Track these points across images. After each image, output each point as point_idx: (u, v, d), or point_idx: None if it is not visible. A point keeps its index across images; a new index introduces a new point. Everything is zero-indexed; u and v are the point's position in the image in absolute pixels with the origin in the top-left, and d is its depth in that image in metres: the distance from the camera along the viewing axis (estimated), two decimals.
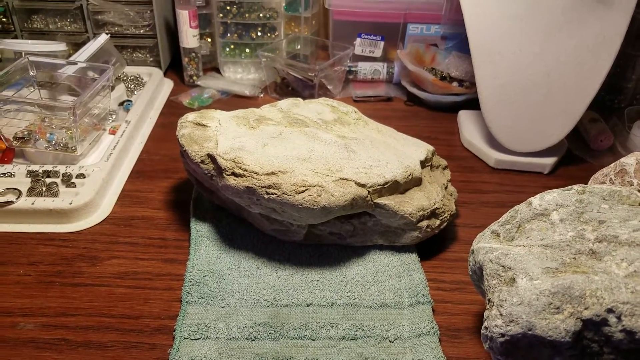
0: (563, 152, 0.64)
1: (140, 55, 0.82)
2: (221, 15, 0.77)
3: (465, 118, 0.71)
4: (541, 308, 0.27)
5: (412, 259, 0.46)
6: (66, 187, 0.52)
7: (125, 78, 0.75)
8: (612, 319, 0.27)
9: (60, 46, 0.73)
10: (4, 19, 0.78)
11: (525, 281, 0.29)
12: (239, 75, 0.83)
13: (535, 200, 0.35)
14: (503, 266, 0.31)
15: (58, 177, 0.53)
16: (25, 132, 0.57)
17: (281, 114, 0.52)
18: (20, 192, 0.50)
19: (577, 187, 0.36)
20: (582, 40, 0.58)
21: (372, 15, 0.82)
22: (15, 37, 0.79)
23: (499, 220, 0.36)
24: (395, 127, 0.56)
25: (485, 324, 0.30)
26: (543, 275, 0.29)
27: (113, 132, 0.62)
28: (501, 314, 0.28)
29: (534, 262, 0.30)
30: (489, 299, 0.31)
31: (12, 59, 0.71)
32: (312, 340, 0.39)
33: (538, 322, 0.27)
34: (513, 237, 0.34)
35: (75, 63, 0.63)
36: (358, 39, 0.84)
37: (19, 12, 0.77)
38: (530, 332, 0.27)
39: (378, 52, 0.85)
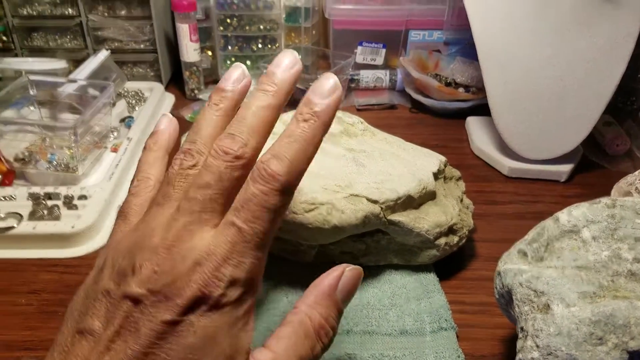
0: (579, 158, 0.62)
1: (140, 70, 0.80)
2: (221, 28, 0.76)
3: (474, 124, 0.70)
4: (582, 339, 0.25)
5: (431, 279, 0.44)
6: (68, 209, 0.50)
7: (126, 94, 0.73)
8: None
9: (60, 63, 0.72)
10: (4, 38, 0.77)
11: (561, 308, 0.27)
12: None
13: (563, 215, 0.33)
14: (535, 290, 0.29)
15: (60, 199, 0.51)
16: (26, 153, 0.56)
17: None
18: (21, 216, 0.49)
19: (606, 199, 0.34)
20: (593, 42, 0.56)
21: (373, 24, 0.81)
22: (16, 55, 0.77)
23: (525, 237, 0.34)
24: (402, 136, 0.54)
25: (520, 356, 0.28)
26: (580, 301, 0.27)
27: (115, 150, 0.61)
28: (537, 346, 0.26)
29: (568, 286, 0.28)
30: (521, 327, 0.29)
31: (12, 77, 0.69)
32: None
33: (580, 355, 0.25)
34: (542, 257, 0.32)
35: (75, 81, 0.62)
36: (359, 47, 0.83)
37: (19, 31, 0.76)
38: None
39: (380, 60, 0.84)
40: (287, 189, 0.26)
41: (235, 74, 0.31)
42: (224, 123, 0.30)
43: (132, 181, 0.32)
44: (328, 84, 0.28)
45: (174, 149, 0.34)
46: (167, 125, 0.34)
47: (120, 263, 0.26)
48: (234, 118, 0.29)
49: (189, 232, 0.25)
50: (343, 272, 0.28)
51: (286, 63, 0.30)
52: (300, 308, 0.27)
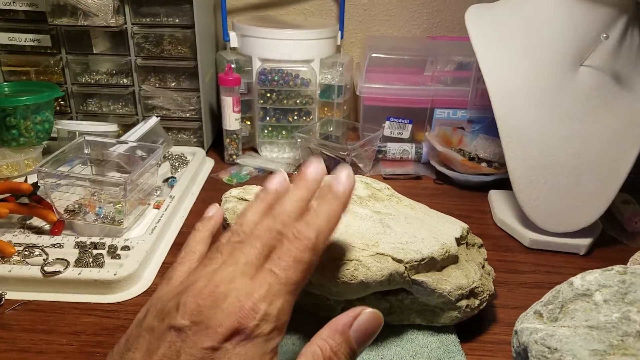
0: (598, 232, 0.63)
1: (184, 136, 0.87)
2: (261, 101, 0.83)
3: (496, 197, 0.72)
4: None
5: (452, 340, 0.45)
6: (111, 258, 0.54)
7: (170, 157, 0.79)
8: None
9: (111, 127, 0.79)
10: (62, 102, 0.85)
11: None
12: (275, 155, 0.87)
13: (577, 280, 0.35)
14: (549, 347, 0.31)
15: (104, 249, 0.55)
16: (76, 206, 0.61)
17: None
18: (68, 262, 0.52)
19: (618, 267, 0.36)
20: (608, 125, 0.59)
21: (400, 102, 0.86)
22: (71, 119, 0.85)
23: (541, 300, 0.36)
24: (426, 205, 0.57)
25: None
26: (591, 358, 0.28)
27: (157, 207, 0.65)
28: None
29: (580, 344, 0.30)
30: None
31: (66, 138, 0.76)
32: None
33: None
34: (557, 317, 0.34)
35: (126, 142, 0.68)
36: (387, 122, 0.88)
37: (76, 96, 0.84)
38: None
39: (406, 134, 0.89)
40: (316, 248, 0.32)
41: (278, 179, 0.40)
42: (266, 214, 0.37)
43: (180, 253, 0.37)
44: (345, 174, 0.35)
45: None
46: (214, 212, 0.42)
47: (165, 305, 0.30)
48: (275, 206, 0.35)
49: (231, 278, 0.30)
50: (360, 313, 0.31)
51: (317, 169, 0.37)
52: (314, 340, 0.30)
